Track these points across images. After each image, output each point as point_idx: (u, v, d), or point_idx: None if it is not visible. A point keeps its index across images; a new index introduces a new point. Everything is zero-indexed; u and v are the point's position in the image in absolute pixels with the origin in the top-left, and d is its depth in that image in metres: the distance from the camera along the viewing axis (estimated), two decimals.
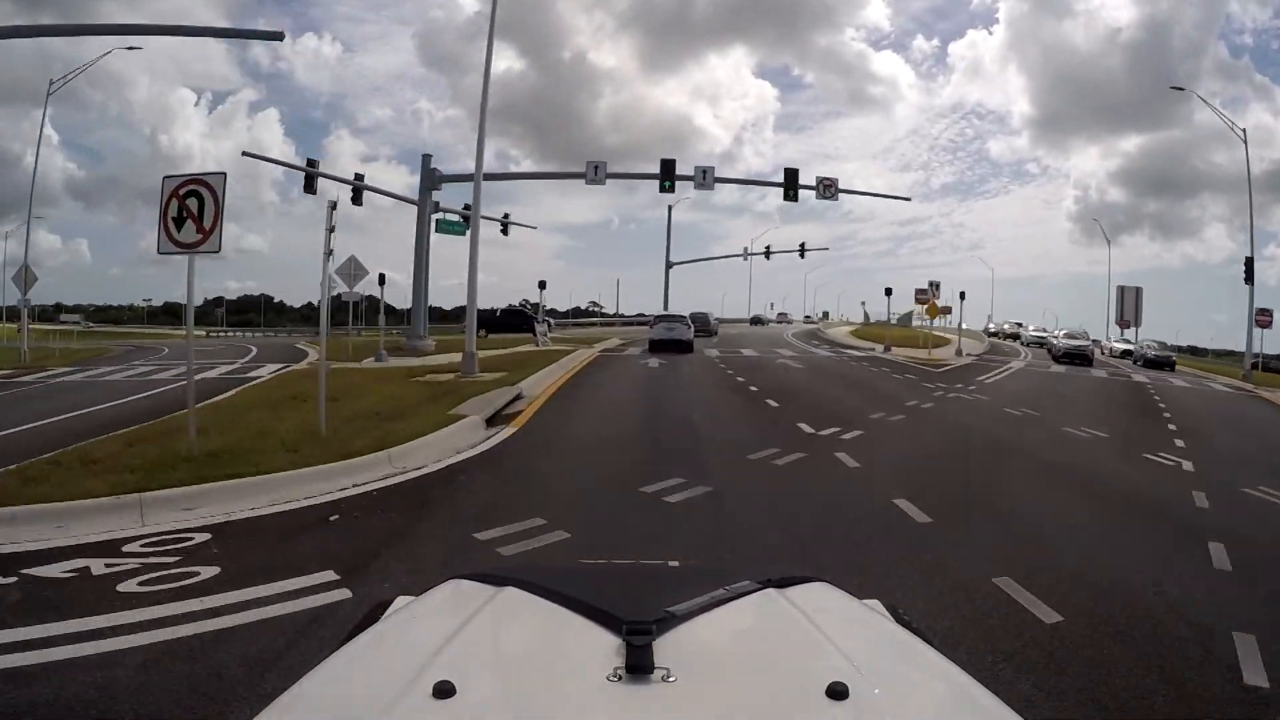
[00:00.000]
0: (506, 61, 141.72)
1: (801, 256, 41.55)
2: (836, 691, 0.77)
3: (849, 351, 24.66)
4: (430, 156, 21.97)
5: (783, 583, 1.12)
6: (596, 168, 21.51)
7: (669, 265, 56.38)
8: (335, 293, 16.04)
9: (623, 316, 58.97)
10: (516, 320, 29.95)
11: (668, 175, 21.85)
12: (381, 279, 17.63)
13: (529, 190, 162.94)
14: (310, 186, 22.22)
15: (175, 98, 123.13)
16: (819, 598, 1.12)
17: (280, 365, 15.76)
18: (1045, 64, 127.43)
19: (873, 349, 25.53)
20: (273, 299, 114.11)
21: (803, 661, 0.91)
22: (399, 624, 1.07)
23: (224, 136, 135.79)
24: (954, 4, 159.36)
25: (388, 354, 16.59)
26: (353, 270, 16.05)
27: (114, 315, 77.52)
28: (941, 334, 34.41)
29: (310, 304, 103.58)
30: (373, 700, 0.78)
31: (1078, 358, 24.33)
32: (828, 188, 21.83)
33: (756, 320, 70.75)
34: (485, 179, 28.01)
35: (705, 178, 22.24)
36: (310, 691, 0.86)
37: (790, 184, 22.04)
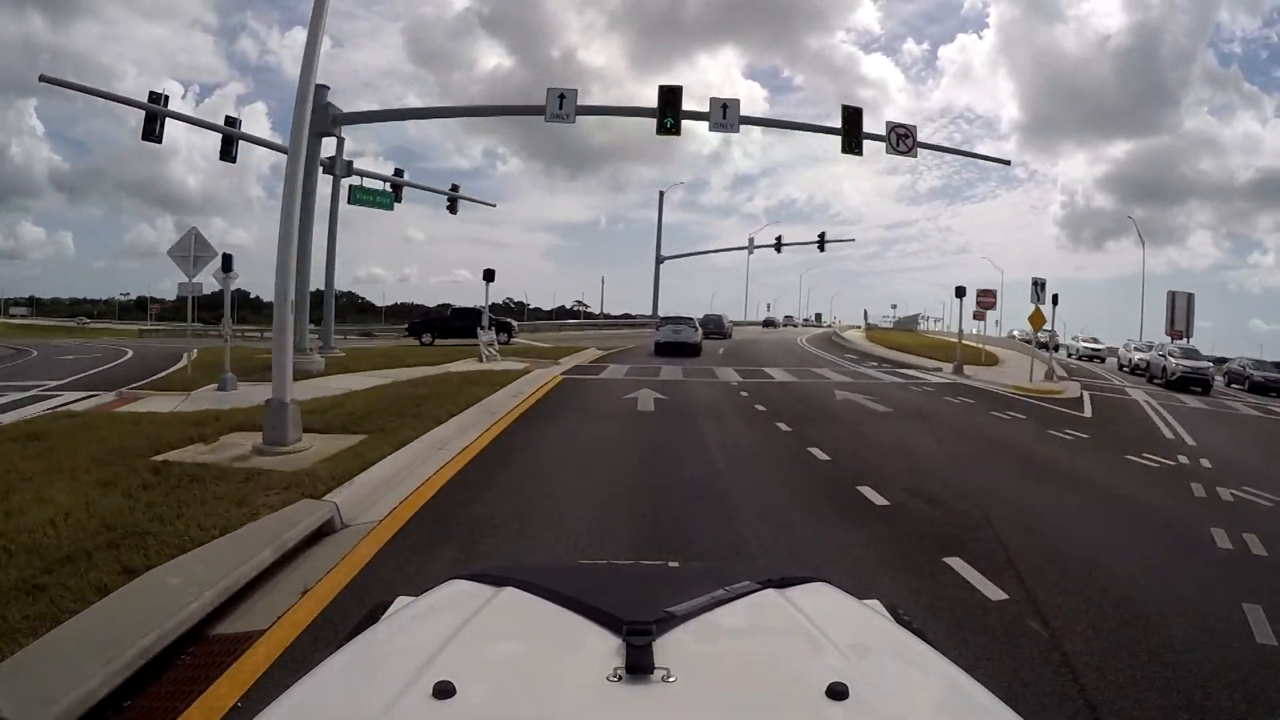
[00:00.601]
0: (495, 58, 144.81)
1: (821, 249, 37.01)
2: (836, 691, 0.77)
3: (909, 372, 19.68)
4: (327, 89, 15.44)
5: (783, 583, 1.11)
6: (562, 98, 16.30)
7: (659, 260, 50.04)
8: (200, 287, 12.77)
9: (608, 317, 56.33)
10: (475, 323, 23.25)
11: (670, 109, 16.12)
12: (227, 262, 12.14)
13: (516, 188, 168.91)
14: (227, 153, 17.67)
15: (162, 90, 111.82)
16: (819, 598, 1.12)
17: (84, 395, 10.97)
18: (1035, 69, 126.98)
19: (938, 367, 20.85)
20: (249, 295, 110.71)
21: (803, 661, 0.92)
22: (399, 624, 1.07)
23: (211, 130, 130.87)
24: (945, 8, 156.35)
25: (236, 379, 11.17)
26: (193, 250, 11.82)
27: (86, 309, 77.72)
28: (975, 344, 31.12)
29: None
30: (373, 700, 0.78)
31: (1197, 383, 19.92)
32: (902, 138, 14.62)
33: (769, 323, 69.04)
34: (382, 117, 20.53)
35: (726, 115, 16.40)
36: (310, 692, 0.86)
37: (851, 129, 15.00)
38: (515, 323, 28.31)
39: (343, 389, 9.98)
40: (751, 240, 48.37)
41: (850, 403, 11.62)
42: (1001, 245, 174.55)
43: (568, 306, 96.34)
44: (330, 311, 17.75)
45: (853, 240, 52.45)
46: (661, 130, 14.63)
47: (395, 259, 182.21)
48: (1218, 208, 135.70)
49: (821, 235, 39.39)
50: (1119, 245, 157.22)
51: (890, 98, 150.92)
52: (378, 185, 19.38)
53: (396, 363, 14.59)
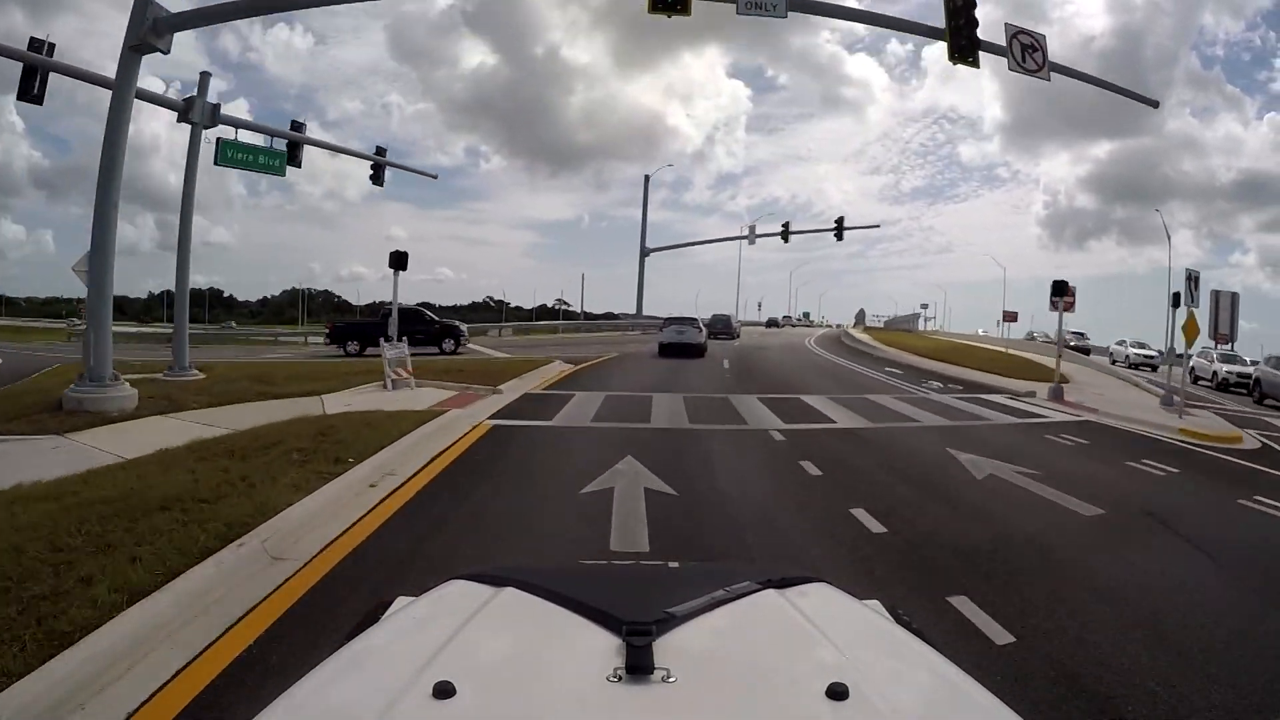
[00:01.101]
0: (479, 56, 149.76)
1: (839, 238, 33.34)
2: (836, 691, 0.83)
3: (995, 399, 15.46)
4: None
5: (783, 583, 1.19)
6: None
7: (644, 252, 44.45)
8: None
9: (589, 316, 54.55)
10: (413, 328, 19.80)
11: None
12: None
13: (498, 186, 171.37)
14: (27, 90, 12.68)
15: (143, 85, 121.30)
16: (819, 598, 1.19)
17: None
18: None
19: (1029, 390, 16.61)
20: (222, 293, 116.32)
21: (803, 661, 0.98)
22: (399, 624, 1.14)
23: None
24: (929, 8, 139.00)
25: None
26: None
27: (55, 309, 77.39)
28: (1019, 351, 28.98)
29: (266, 298, 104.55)
30: (373, 700, 0.84)
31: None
32: (1030, 51, 8.52)
33: (772, 323, 69.04)
34: (226, 14, 13.98)
35: None
36: (310, 691, 0.92)
37: (961, 28, 12.19)
38: (464, 326, 26.39)
39: (76, 468, 6.09)
40: (752, 229, 43.23)
41: (1003, 487, 7.17)
42: (984, 244, 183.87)
43: (549, 305, 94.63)
44: (183, 317, 12.52)
45: (877, 226, 66.26)
46: (654, 8, 8.93)
47: (378, 257, 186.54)
48: (1199, 208, 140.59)
49: (839, 221, 34.29)
50: (1100, 245, 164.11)
51: (874, 97, 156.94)
52: (263, 141, 13.32)
53: (260, 392, 11.36)
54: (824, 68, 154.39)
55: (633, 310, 47.01)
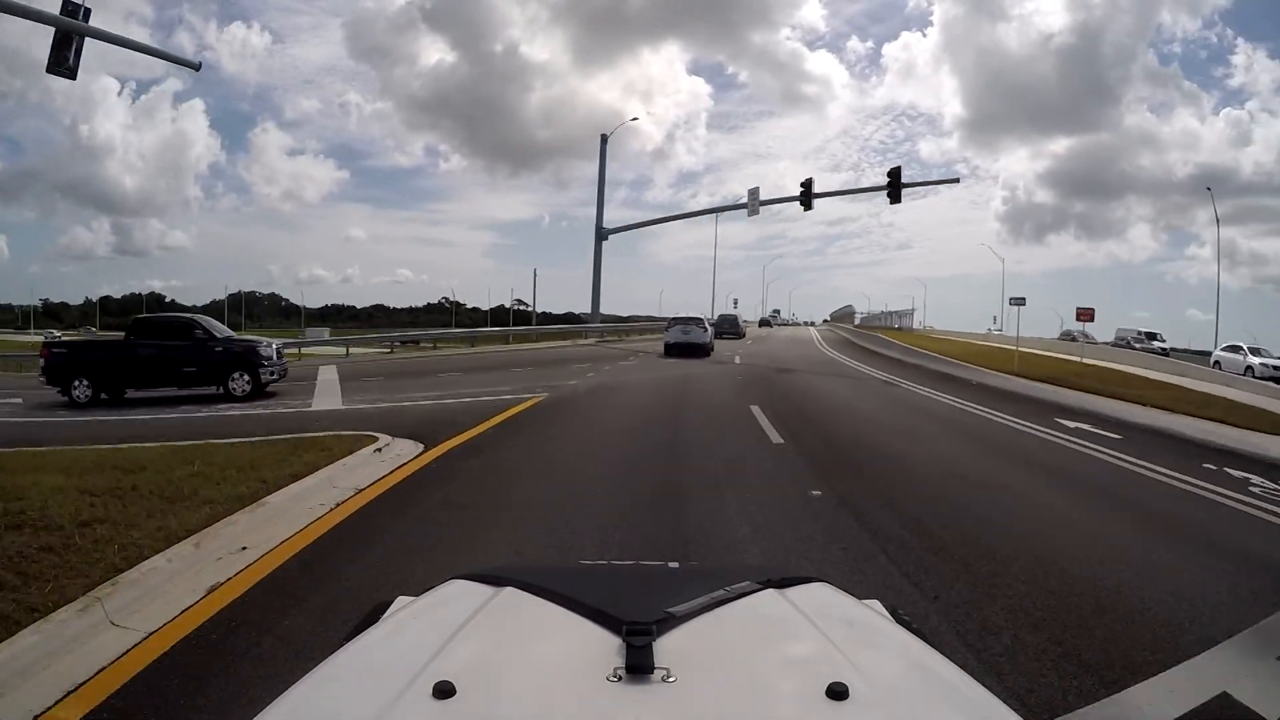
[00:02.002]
0: (438, 53, 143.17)
1: (894, 198, 34.17)
2: (836, 691, 0.82)
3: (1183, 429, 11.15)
4: None
5: (783, 583, 1.19)
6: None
7: (600, 234, 35.65)
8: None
9: (549, 318, 54.12)
10: (173, 355, 13.40)
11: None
12: None
13: (459, 186, 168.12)
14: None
15: (98, 86, 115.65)
16: (819, 598, 1.19)
17: None
18: (978, 67, 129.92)
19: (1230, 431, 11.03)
20: (164, 298, 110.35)
21: (803, 661, 0.98)
22: (399, 624, 1.14)
23: (148, 128, 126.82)
24: (889, 6, 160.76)
25: None
26: None
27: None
28: (1103, 361, 23.14)
29: (214, 300, 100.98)
30: (373, 700, 0.83)
31: None
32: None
33: (765, 323, 65.51)
34: None
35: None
36: (310, 691, 0.92)
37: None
38: (274, 346, 15.12)
39: None
40: (754, 195, 32.86)
41: None
42: (943, 240, 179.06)
43: (506, 305, 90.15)
44: None
45: (956, 181, 40.71)
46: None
47: (337, 259, 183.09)
48: (1156, 202, 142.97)
49: (894, 173, 25.78)
50: (1059, 239, 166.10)
51: (834, 94, 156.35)
52: None
53: None
54: (784, 65, 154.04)
55: (590, 309, 38.93)
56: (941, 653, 1.05)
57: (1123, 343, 38.26)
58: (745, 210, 34.26)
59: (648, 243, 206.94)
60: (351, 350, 29.69)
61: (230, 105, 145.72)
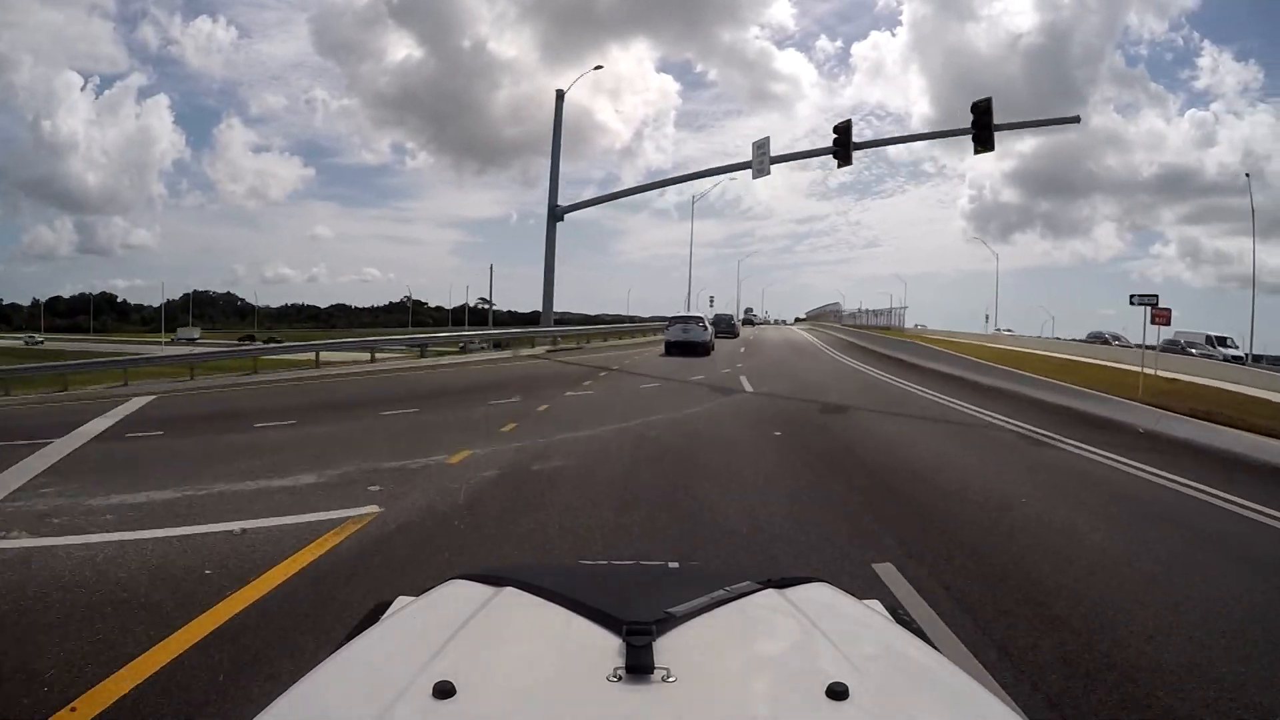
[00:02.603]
0: (405, 49, 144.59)
1: (983, 145, 15.10)
2: (836, 691, 0.82)
3: None
4: None
5: (783, 583, 1.19)
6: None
7: (554, 213, 29.38)
8: None
9: (513, 317, 53.67)
10: None
11: None
12: None
13: (426, 183, 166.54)
14: None
15: (60, 81, 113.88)
16: (819, 598, 1.19)
17: None
18: (946, 66, 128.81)
19: None
20: (115, 299, 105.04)
21: (803, 661, 0.98)
22: (399, 624, 1.14)
23: (111, 124, 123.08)
24: (859, 6, 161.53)
25: None
26: None
27: None
28: (1183, 375, 17.74)
29: (170, 300, 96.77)
30: (373, 700, 0.83)
31: None
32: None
33: (748, 321, 63.64)
34: None
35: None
36: (310, 691, 0.92)
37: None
38: None
39: None
40: (761, 148, 25.05)
41: None
42: (910, 238, 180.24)
43: (471, 305, 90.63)
44: None
45: (1075, 120, 25.09)
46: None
47: (303, 258, 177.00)
48: (1121, 201, 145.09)
49: (983, 107, 19.54)
50: (1025, 238, 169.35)
51: (803, 93, 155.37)
52: None
53: None
54: (753, 63, 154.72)
55: (566, 310, 34.63)
56: (941, 653, 1.06)
57: (1175, 348, 32.63)
58: (750, 171, 25.24)
59: (616, 240, 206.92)
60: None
61: (195, 101, 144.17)
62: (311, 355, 20.98)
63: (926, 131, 21.54)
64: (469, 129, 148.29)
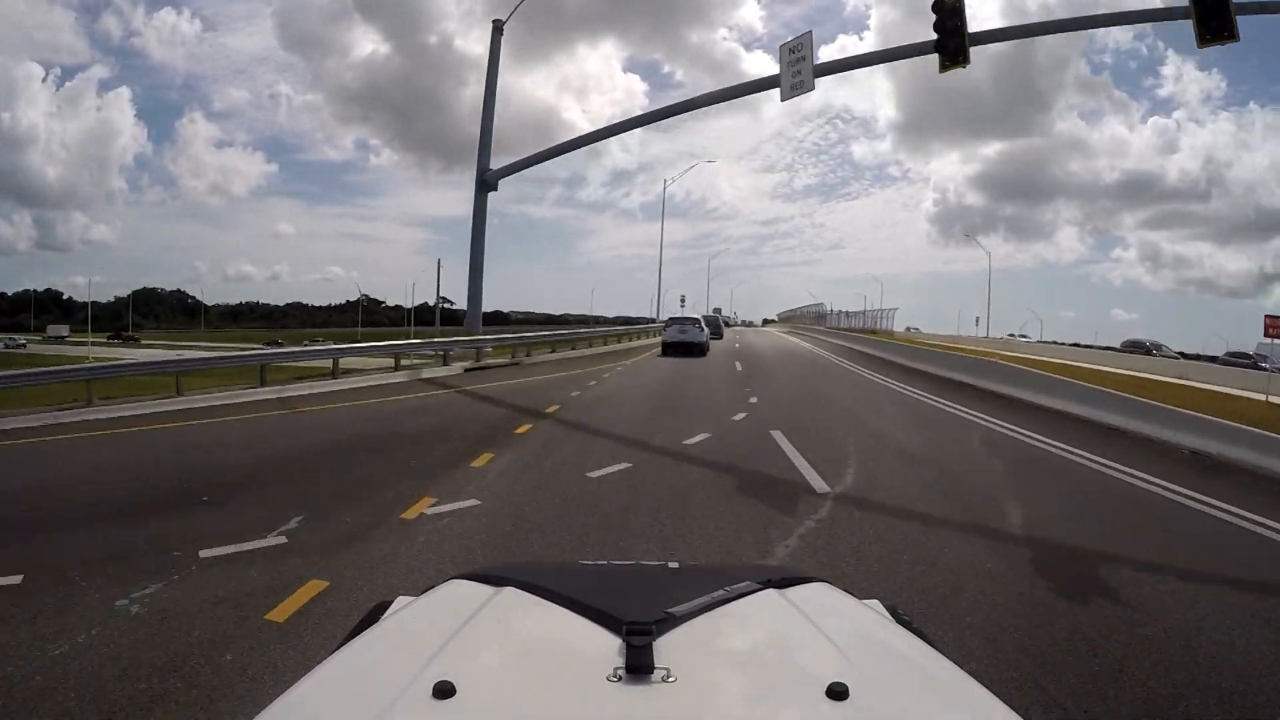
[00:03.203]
0: (371, 44, 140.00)
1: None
2: (836, 691, 0.81)
3: None
4: None
5: (783, 583, 1.17)
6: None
7: (484, 179, 24.86)
8: None
9: (457, 319, 36.57)
10: None
11: None
12: None
13: (390, 181, 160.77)
14: None
15: (21, 72, 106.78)
16: (819, 598, 1.18)
17: None
18: (912, 70, 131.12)
19: None
20: (60, 295, 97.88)
21: (803, 661, 0.97)
22: (399, 624, 1.12)
23: (72, 117, 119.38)
24: (827, 10, 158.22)
25: None
26: None
27: None
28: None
29: (117, 296, 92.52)
30: (373, 700, 0.82)
31: None
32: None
33: (727, 323, 58.39)
34: None
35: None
36: (310, 691, 0.90)
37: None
38: None
39: None
40: (799, 56, 15.44)
41: None
42: (874, 241, 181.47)
43: (430, 304, 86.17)
44: None
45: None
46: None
47: (266, 256, 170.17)
48: (1084, 206, 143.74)
49: (950, 5, 12.64)
50: (988, 241, 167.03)
51: (770, 95, 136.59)
52: None
53: None
54: (721, 64, 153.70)
55: (522, 308, 35.86)
56: (941, 653, 1.05)
57: (1246, 360, 26.57)
58: (779, 90, 17.80)
59: (581, 240, 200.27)
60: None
61: (158, 94, 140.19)
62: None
63: (894, 49, 13.21)
64: (434, 126, 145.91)
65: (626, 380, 16.71)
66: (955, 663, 0.99)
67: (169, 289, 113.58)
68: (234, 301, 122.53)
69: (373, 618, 1.14)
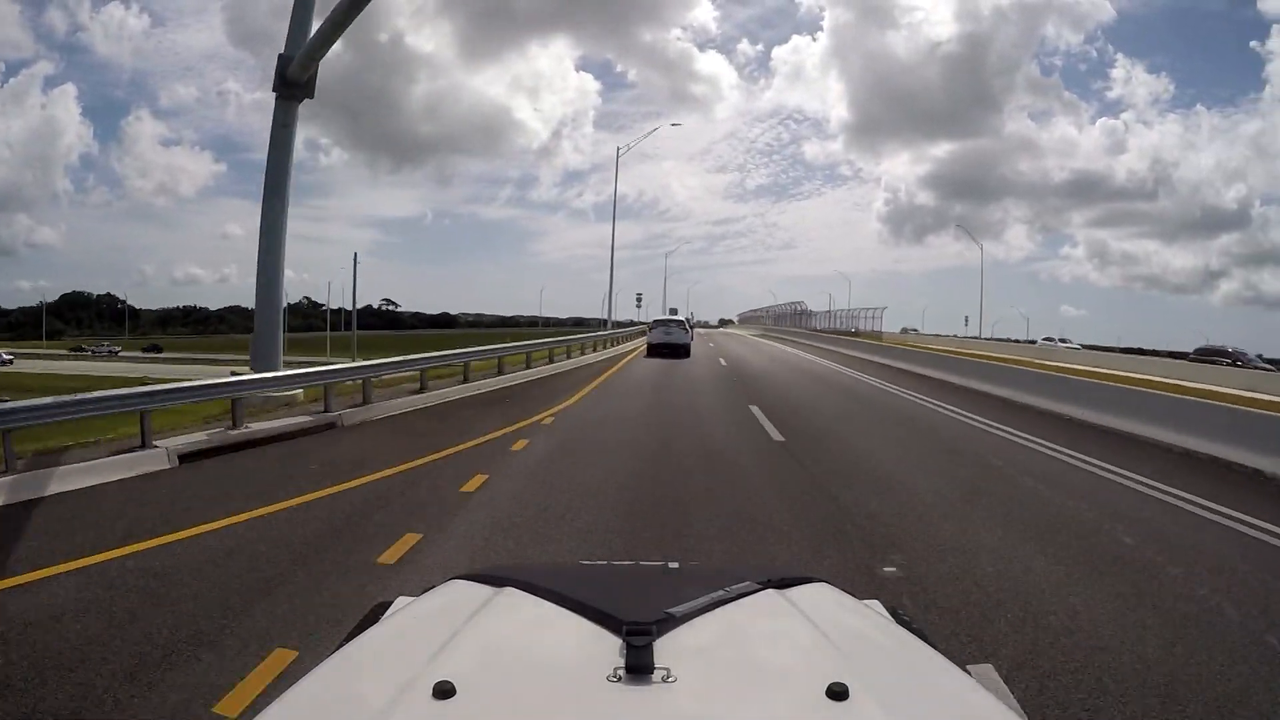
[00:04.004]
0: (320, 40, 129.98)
1: None
2: (836, 692, 0.81)
3: None
4: None
5: (783, 583, 1.16)
6: None
7: (286, 74, 12.39)
8: None
9: (420, 320, 45.21)
10: None
11: None
12: None
13: (340, 181, 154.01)
14: None
15: None
16: (819, 598, 1.16)
17: None
18: (865, 72, 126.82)
19: None
20: None
21: (803, 661, 0.96)
22: (399, 624, 1.11)
23: (15, 114, 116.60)
24: (781, 12, 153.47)
25: None
26: None
27: None
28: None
29: (41, 301, 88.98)
30: (373, 700, 0.82)
31: None
32: None
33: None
34: None
35: None
36: (310, 691, 0.90)
37: None
38: None
39: None
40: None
41: None
42: (826, 240, 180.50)
43: (375, 306, 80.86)
44: None
45: None
46: None
47: (214, 258, 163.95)
48: (1033, 205, 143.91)
49: None
50: (939, 240, 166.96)
51: (722, 95, 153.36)
52: None
53: None
54: (674, 64, 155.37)
55: (471, 310, 37.29)
56: (941, 653, 1.05)
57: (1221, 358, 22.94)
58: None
59: (533, 241, 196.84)
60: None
61: (104, 91, 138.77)
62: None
63: None
64: (384, 125, 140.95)
65: (599, 415, 9.98)
66: (955, 663, 0.99)
67: (97, 293, 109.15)
68: (176, 305, 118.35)
69: (373, 618, 1.15)
